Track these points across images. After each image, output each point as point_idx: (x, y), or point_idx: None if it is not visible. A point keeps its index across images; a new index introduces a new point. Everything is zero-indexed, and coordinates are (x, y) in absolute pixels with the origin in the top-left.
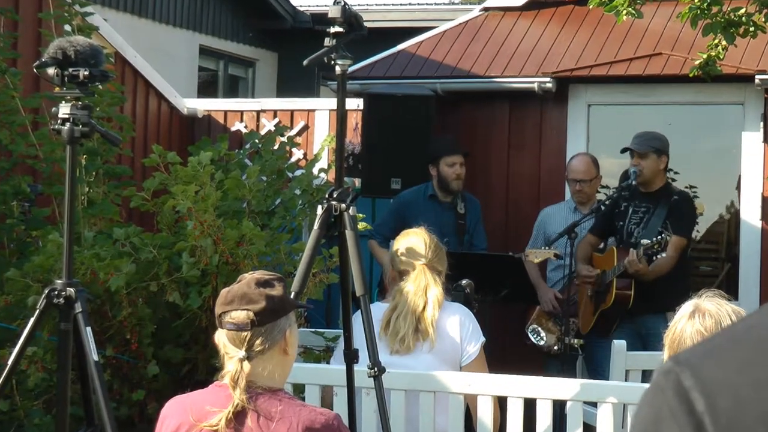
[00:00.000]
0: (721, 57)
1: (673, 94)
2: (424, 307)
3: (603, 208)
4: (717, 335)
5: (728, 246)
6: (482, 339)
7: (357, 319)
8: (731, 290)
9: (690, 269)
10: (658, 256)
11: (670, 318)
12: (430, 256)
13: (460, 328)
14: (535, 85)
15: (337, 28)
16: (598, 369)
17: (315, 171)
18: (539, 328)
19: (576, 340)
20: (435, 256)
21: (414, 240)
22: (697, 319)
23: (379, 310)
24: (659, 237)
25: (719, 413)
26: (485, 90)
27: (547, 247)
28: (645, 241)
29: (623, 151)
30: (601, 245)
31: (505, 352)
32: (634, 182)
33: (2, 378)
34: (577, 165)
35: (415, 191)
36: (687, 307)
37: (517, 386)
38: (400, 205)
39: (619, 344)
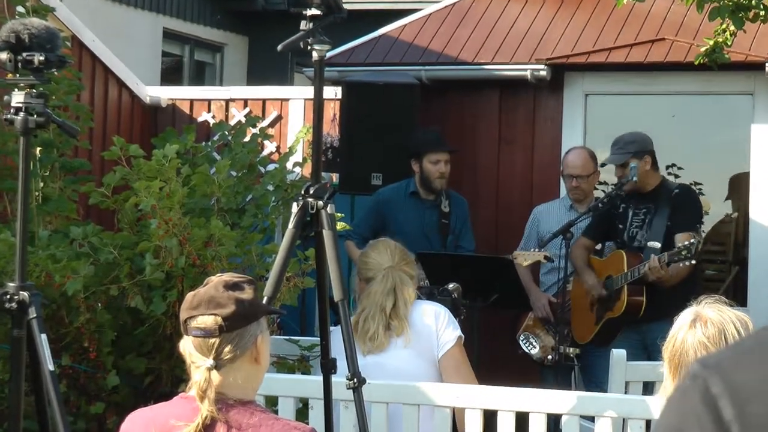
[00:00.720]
0: (729, 43)
1: (677, 83)
2: (394, 305)
3: (601, 206)
4: (747, 338)
5: (736, 248)
6: (460, 333)
7: (338, 330)
8: (739, 296)
9: (700, 272)
10: (686, 263)
11: None
12: (397, 259)
13: (434, 318)
14: (528, 73)
15: (313, 11)
16: (595, 380)
17: (289, 165)
18: (531, 336)
19: (572, 349)
20: (401, 260)
21: (377, 247)
22: (698, 328)
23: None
24: (688, 243)
25: (749, 421)
26: (474, 78)
27: (537, 249)
28: (652, 244)
29: (602, 165)
30: (598, 247)
31: (495, 362)
32: (635, 178)
33: None
34: (573, 159)
35: (395, 188)
36: (686, 315)
37: (508, 399)
38: (379, 203)
39: (618, 354)
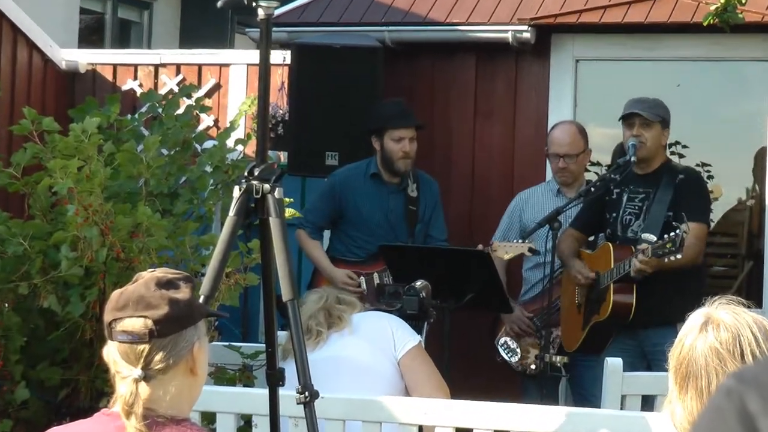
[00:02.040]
0: (743, 1)
1: (682, 47)
2: (329, 313)
3: (593, 190)
4: None
5: (750, 239)
6: (419, 337)
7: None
8: (753, 295)
9: (704, 268)
10: (672, 258)
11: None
12: (331, 290)
13: (387, 321)
14: (509, 35)
15: None
16: (586, 394)
17: (230, 142)
18: (512, 342)
19: (559, 357)
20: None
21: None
22: (710, 332)
23: None
24: (673, 234)
25: None
26: (446, 41)
27: (521, 240)
28: (647, 236)
29: (624, 117)
30: (591, 238)
31: (470, 371)
32: (633, 158)
33: None
34: (560, 136)
35: (353, 169)
36: (696, 317)
37: (485, 414)
38: (335, 186)
39: (613, 363)
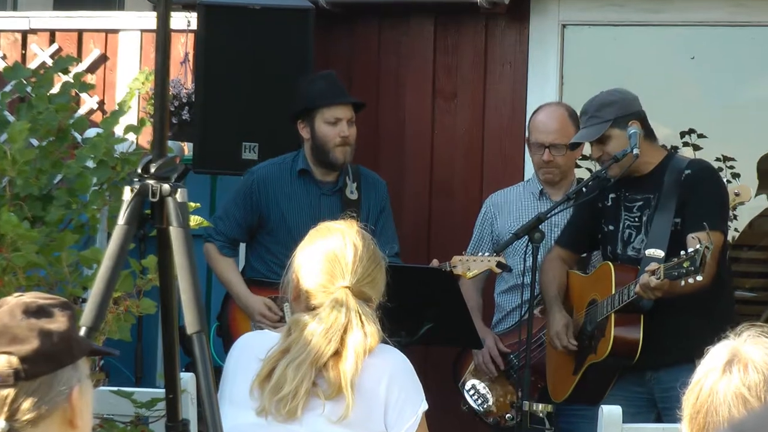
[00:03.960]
0: None
1: (696, 9)
2: (336, 355)
3: (585, 191)
4: None
5: None
6: (423, 405)
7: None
8: None
9: (730, 288)
10: (691, 280)
11: None
12: (360, 272)
13: (386, 389)
14: None
15: None
16: None
17: (119, 130)
18: (481, 385)
19: (542, 406)
20: (366, 274)
21: (334, 244)
22: (735, 373)
23: (268, 341)
24: (692, 250)
25: None
26: (397, 1)
27: (489, 254)
28: (652, 252)
29: (570, 147)
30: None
31: (430, 422)
32: (635, 151)
33: None
34: (546, 121)
35: (276, 164)
36: (718, 354)
37: None
38: (253, 186)
39: (610, 412)
